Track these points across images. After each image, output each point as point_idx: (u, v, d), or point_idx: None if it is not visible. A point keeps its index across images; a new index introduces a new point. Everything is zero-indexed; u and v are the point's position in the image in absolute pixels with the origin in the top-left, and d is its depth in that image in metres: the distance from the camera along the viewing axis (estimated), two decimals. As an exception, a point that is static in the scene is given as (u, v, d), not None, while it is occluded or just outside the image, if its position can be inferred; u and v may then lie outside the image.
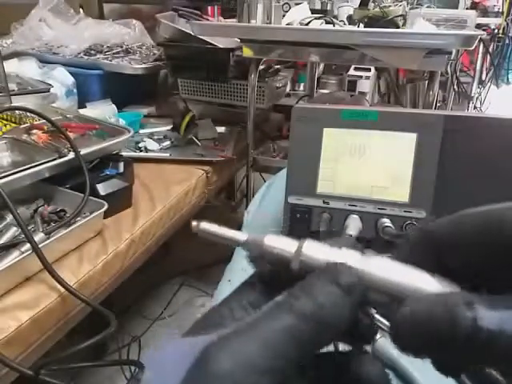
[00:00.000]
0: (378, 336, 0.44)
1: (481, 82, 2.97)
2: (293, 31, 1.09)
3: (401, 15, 1.10)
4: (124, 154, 1.06)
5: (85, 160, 0.88)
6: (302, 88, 2.40)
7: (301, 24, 1.13)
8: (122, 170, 0.97)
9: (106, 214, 0.86)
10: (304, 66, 2.11)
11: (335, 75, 2.31)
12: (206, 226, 0.23)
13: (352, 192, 0.62)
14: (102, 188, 0.89)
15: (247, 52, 1.15)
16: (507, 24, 2.83)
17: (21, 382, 0.63)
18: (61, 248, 0.76)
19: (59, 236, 0.73)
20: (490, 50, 2.80)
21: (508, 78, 3.22)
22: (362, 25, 1.17)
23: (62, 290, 0.68)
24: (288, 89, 2.04)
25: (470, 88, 2.81)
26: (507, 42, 2.91)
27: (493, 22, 2.73)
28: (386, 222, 0.60)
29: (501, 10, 2.69)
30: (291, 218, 0.65)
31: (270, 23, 1.16)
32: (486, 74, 2.98)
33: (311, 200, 0.63)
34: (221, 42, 1.37)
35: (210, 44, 1.36)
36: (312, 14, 1.29)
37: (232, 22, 1.32)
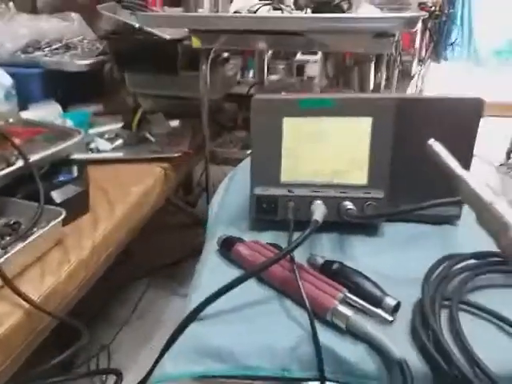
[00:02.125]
0: (351, 313, 0.46)
1: (421, 60, 3.09)
2: (242, 19, 1.08)
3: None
4: (75, 156, 1.02)
5: (35, 167, 0.84)
6: (251, 75, 2.39)
7: (249, 11, 1.12)
8: (76, 174, 0.93)
9: (64, 222, 0.83)
10: (252, 53, 2.10)
11: (283, 60, 2.31)
12: None
13: (315, 178, 0.64)
14: (57, 195, 0.86)
15: (196, 42, 1.13)
16: (443, 2, 2.96)
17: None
18: (20, 262, 0.73)
19: (17, 250, 0.70)
20: (429, 27, 2.91)
21: (446, 54, 3.38)
22: (309, 10, 1.17)
23: (27, 305, 0.65)
24: (238, 77, 2.02)
25: (411, 66, 2.90)
26: (444, 19, 3.05)
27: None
28: (348, 204, 0.62)
29: (437, -12, 2.80)
30: (257, 209, 0.65)
31: (218, 11, 1.14)
32: (426, 52, 3.11)
33: (276, 190, 0.64)
34: (167, 33, 1.33)
35: (156, 35, 1.33)
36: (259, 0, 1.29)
37: (178, 11, 1.29)
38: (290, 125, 0.63)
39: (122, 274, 1.44)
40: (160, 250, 1.62)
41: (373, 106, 0.61)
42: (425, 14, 1.39)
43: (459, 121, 0.62)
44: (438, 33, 3.13)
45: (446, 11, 3.11)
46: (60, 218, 0.79)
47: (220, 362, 0.47)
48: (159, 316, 1.36)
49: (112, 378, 1.06)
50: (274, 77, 2.20)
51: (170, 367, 0.47)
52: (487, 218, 0.33)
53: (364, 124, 0.62)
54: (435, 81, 3.36)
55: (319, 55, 2.20)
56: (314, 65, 2.20)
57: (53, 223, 0.78)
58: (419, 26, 2.53)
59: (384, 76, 1.08)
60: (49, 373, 0.66)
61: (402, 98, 0.62)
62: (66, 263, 0.78)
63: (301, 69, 2.19)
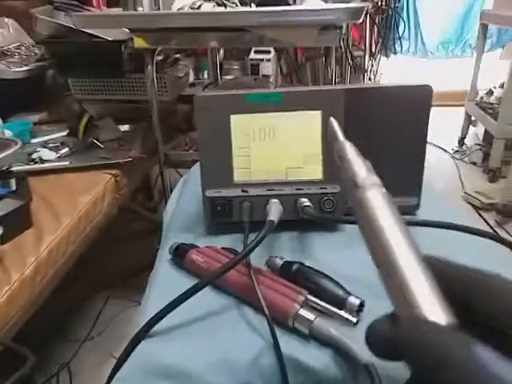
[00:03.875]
0: (313, 317, 0.44)
1: (372, 55, 3.16)
2: (186, 16, 1.04)
3: (291, -7, 1.10)
4: (15, 168, 0.95)
5: (-34, 182, 0.77)
6: (206, 76, 2.36)
7: (192, 8, 1.08)
8: (14, 187, 0.86)
9: (4, 239, 0.76)
10: (205, 54, 2.07)
11: (237, 60, 2.29)
12: None
13: (269, 177, 0.61)
14: (-7, 211, 0.79)
15: (139, 42, 1.08)
16: (389, -4, 3.03)
17: None
18: (-50, 287, 0.66)
19: None
20: (377, 22, 2.98)
21: (395, 48, 3.47)
22: (253, 5, 1.15)
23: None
24: (192, 78, 1.98)
25: (363, 61, 2.96)
26: (390, 13, 3.12)
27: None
28: (305, 201, 0.60)
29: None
30: (212, 212, 0.62)
31: (159, 10, 1.09)
32: (376, 46, 3.18)
33: (229, 191, 0.61)
34: (109, 35, 1.27)
35: (98, 37, 1.26)
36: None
37: (116, 10, 1.23)
38: (237, 122, 0.60)
39: (80, 289, 1.37)
40: (120, 259, 1.55)
41: (321, 98, 0.59)
42: (368, 4, 1.41)
43: (410, 108, 0.61)
44: (386, 27, 3.21)
45: (392, 6, 3.19)
46: (-4, 237, 0.72)
47: (175, 383, 0.43)
48: (121, 330, 1.30)
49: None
50: (228, 77, 2.17)
51: (119, 394, 0.43)
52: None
53: (313, 117, 0.60)
54: (386, 75, 3.44)
55: (272, 53, 2.19)
56: (267, 63, 2.19)
57: (-12, 243, 0.71)
58: (367, 20, 2.58)
59: (335, 70, 1.08)
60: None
61: (350, 89, 0.60)
62: (5, 284, 0.72)
63: (255, 67, 2.18)
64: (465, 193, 2.14)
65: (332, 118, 0.38)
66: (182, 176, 1.46)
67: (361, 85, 0.71)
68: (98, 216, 1.01)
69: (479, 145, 2.62)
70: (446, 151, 2.67)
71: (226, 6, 1.09)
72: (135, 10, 1.06)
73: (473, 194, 2.09)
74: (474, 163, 2.51)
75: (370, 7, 2.33)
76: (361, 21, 0.95)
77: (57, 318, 1.27)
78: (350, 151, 0.35)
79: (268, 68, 2.22)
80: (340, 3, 1.00)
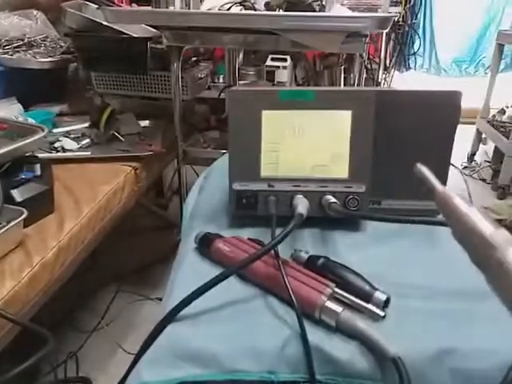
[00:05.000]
0: (340, 309, 0.44)
1: (386, 68, 3.18)
2: (217, 16, 1.06)
3: (317, 0, 1.12)
4: (39, 155, 0.96)
5: (-6, 164, 0.78)
6: (221, 80, 2.38)
7: (220, 10, 1.10)
8: (39, 172, 0.87)
9: (26, 222, 0.77)
10: (222, 58, 2.09)
11: (254, 66, 2.31)
12: None
13: (295, 173, 0.62)
14: (18, 193, 0.80)
15: (168, 40, 1.10)
16: (406, 12, 3.06)
17: None
18: (-24, 265, 0.67)
19: (-28, 251, 0.64)
20: (392, 37, 3.01)
21: (409, 64, 3.49)
22: (280, 10, 1.17)
23: (-16, 311, 0.59)
24: (208, 81, 2.00)
25: (377, 74, 2.98)
26: (406, 29, 3.15)
27: (392, 10, 2.92)
28: (331, 198, 0.61)
29: (399, 0, 2.90)
30: (237, 205, 0.63)
31: (189, 9, 1.11)
32: (390, 61, 3.20)
33: (256, 185, 0.62)
34: (135, 32, 1.29)
35: (124, 33, 1.28)
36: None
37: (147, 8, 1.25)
38: (269, 118, 0.61)
39: (91, 280, 1.38)
40: (131, 253, 1.56)
41: (353, 99, 0.60)
42: (396, 15, 1.42)
43: (439, 113, 0.62)
44: (402, 43, 3.23)
45: (409, 22, 3.22)
46: (21, 218, 0.73)
47: (201, 367, 0.43)
48: (129, 322, 1.30)
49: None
50: (244, 82, 2.19)
51: (146, 374, 0.43)
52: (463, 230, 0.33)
53: (344, 117, 0.61)
54: (399, 88, 3.45)
55: (289, 61, 2.21)
56: (283, 70, 2.21)
57: (13, 223, 0.72)
58: (383, 34, 2.60)
59: (357, 76, 1.09)
60: (13, 382, 0.60)
61: (382, 91, 0.61)
62: (27, 266, 0.73)
63: (271, 74, 2.20)
64: (473, 208, 2.13)
65: (419, 165, 0.41)
66: (197, 173, 1.48)
67: (391, 88, 0.72)
68: (116, 206, 1.02)
69: (489, 162, 2.62)
70: (454, 166, 2.67)
71: (255, 9, 1.11)
72: (167, 8, 1.08)
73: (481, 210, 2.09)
74: (483, 180, 2.52)
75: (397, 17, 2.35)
76: (387, 30, 0.96)
77: (67, 307, 1.28)
78: (461, 203, 0.35)
79: (284, 75, 2.24)
80: (366, 13, 1.01)
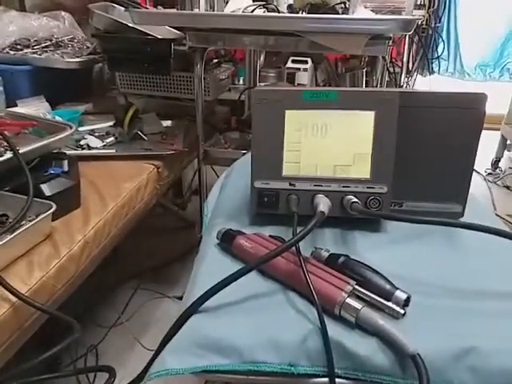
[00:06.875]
0: (360, 306, 0.45)
1: (408, 72, 3.14)
2: (241, 18, 1.07)
3: (341, 2, 1.12)
4: (66, 152, 0.99)
5: (24, 159, 0.81)
6: (241, 82, 2.40)
7: (244, 12, 1.12)
8: (66, 168, 0.90)
9: (54, 216, 0.80)
10: (242, 60, 2.11)
11: (274, 68, 2.32)
12: None
13: (316, 172, 0.63)
14: (48, 188, 0.82)
15: (192, 41, 1.12)
16: (429, 16, 3.03)
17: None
18: (7, 255, 0.70)
19: (4, 242, 0.66)
20: (416, 40, 2.97)
21: (432, 68, 3.44)
22: (303, 13, 1.18)
23: (14, 299, 0.61)
24: (229, 83, 2.02)
25: (400, 77, 2.95)
26: (430, 32, 3.11)
27: (416, 13, 2.89)
28: (352, 198, 0.61)
29: (423, 3, 2.87)
30: (258, 203, 0.64)
31: (214, 11, 1.13)
32: (413, 64, 3.16)
33: (277, 183, 0.63)
34: (159, 33, 1.32)
35: (148, 35, 1.31)
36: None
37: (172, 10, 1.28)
38: (292, 117, 0.62)
39: (111, 276, 1.41)
40: (150, 252, 1.58)
41: (376, 100, 0.61)
42: (420, 18, 1.41)
43: (464, 116, 0.62)
44: (425, 46, 3.20)
45: (432, 25, 3.18)
46: (50, 212, 0.76)
47: (223, 357, 0.45)
48: (148, 318, 1.33)
49: (100, 379, 1.02)
50: (264, 84, 2.20)
51: (170, 362, 0.45)
52: None
53: (367, 117, 0.61)
54: (422, 92, 3.40)
55: (309, 64, 2.22)
56: (304, 73, 2.21)
57: (42, 216, 0.74)
58: (406, 38, 2.58)
59: (380, 79, 1.09)
60: (34, 371, 0.62)
61: (405, 92, 0.61)
62: (55, 258, 0.75)
63: (292, 76, 2.20)
64: (496, 215, 2.10)
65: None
66: (216, 173, 1.50)
67: (414, 90, 0.72)
68: (139, 203, 1.04)
69: (513, 169, 2.58)
70: (478, 173, 2.63)
71: (278, 12, 1.12)
72: (192, 10, 1.10)
73: (505, 217, 2.06)
74: (507, 187, 2.47)
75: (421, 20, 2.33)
76: (411, 33, 0.96)
77: (87, 302, 1.31)
78: None
79: (304, 77, 2.24)
80: (389, 15, 1.01)
